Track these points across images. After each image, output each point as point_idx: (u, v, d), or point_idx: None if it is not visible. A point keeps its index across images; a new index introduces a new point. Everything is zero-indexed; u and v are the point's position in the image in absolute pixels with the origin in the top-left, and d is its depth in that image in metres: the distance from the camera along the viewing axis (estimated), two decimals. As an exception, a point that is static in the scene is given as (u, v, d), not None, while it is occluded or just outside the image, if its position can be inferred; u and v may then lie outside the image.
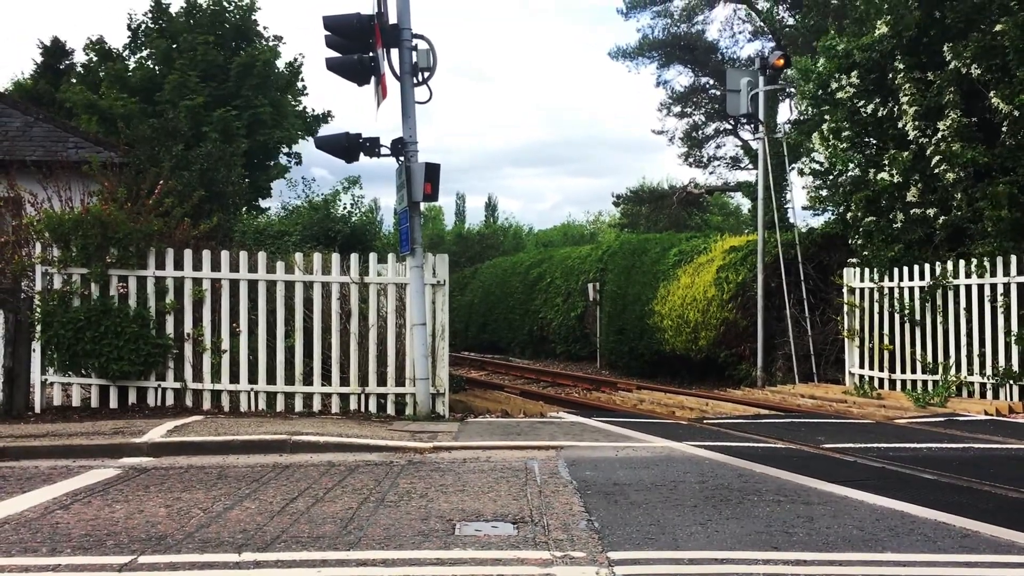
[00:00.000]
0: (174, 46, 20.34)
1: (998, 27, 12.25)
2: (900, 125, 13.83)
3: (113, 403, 10.31)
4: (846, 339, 14.27)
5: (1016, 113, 12.16)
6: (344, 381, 10.46)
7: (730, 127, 36.80)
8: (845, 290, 14.25)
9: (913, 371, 13.09)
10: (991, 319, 12.05)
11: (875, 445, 8.52)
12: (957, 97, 13.13)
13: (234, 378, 10.38)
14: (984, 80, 12.69)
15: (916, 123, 13.51)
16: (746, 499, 6.19)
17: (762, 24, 29.24)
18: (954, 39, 13.15)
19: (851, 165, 14.84)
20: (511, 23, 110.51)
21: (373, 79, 10.33)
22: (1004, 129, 12.68)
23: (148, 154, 12.81)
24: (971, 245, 12.77)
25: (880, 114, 14.17)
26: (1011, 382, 11.76)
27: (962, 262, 12.49)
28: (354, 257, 10.64)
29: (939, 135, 13.07)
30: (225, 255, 10.49)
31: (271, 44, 21.61)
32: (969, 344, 12.32)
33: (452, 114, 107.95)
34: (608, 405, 13.52)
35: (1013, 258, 11.79)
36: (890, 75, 14.01)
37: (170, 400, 10.36)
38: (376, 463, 7.74)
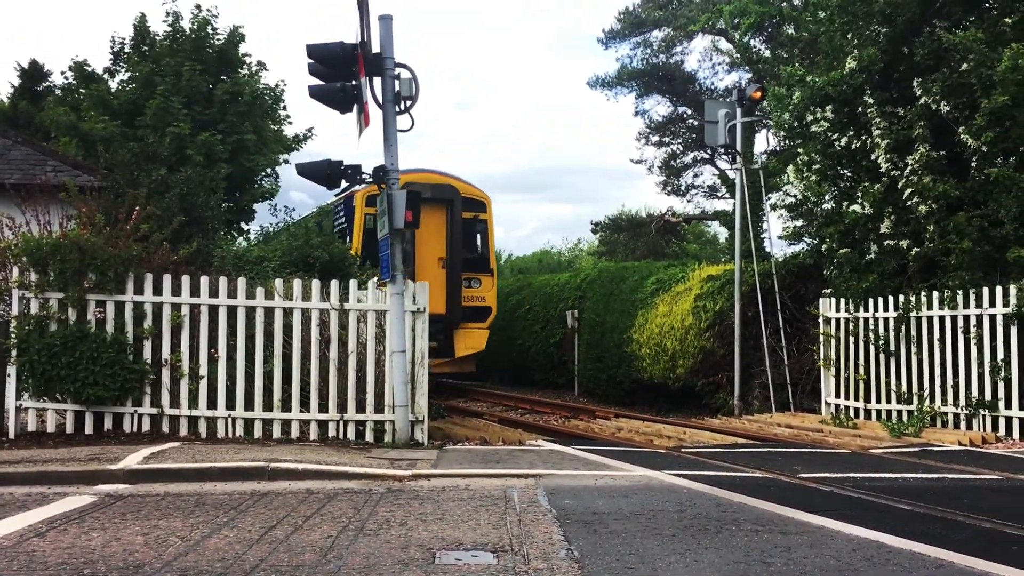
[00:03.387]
0: (157, 70, 20.32)
1: (964, 66, 12.52)
2: (873, 157, 14.07)
3: (88, 429, 10.21)
4: (822, 369, 14.40)
5: (984, 149, 12.40)
6: (323, 408, 10.43)
7: (708, 156, 37.16)
8: (821, 320, 14.40)
9: (888, 401, 13.23)
10: (964, 350, 12.22)
11: (851, 475, 8.60)
12: (927, 132, 13.39)
13: (211, 404, 10.33)
14: (953, 116, 12.95)
15: (888, 156, 13.75)
16: (724, 528, 6.23)
17: (738, 56, 29.67)
18: (923, 74, 13.42)
19: (826, 197, 15.04)
20: (495, 51, 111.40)
21: (356, 107, 10.40)
22: (973, 164, 12.93)
23: (127, 178, 12.75)
24: (943, 277, 12.96)
25: (854, 147, 14.41)
26: (984, 412, 11.91)
27: (935, 293, 12.68)
28: (334, 283, 10.65)
29: (909, 168, 13.31)
30: (204, 280, 10.47)
31: (254, 70, 21.65)
32: (943, 375, 12.48)
33: (434, 140, 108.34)
34: (587, 433, 13.54)
35: (985, 290, 11.98)
36: (860, 109, 14.26)
37: (146, 426, 10.28)
38: (355, 491, 7.71)
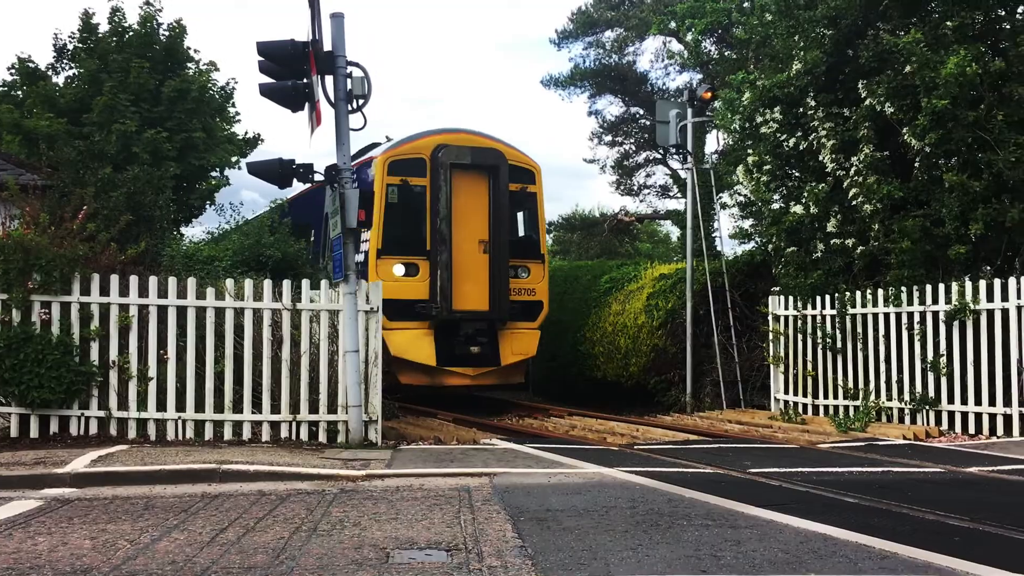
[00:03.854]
0: (104, 67, 19.93)
1: (907, 68, 12.81)
2: (820, 158, 14.32)
3: (34, 432, 10.01)
4: (771, 365, 14.63)
5: (927, 150, 12.70)
6: (275, 409, 10.35)
7: (660, 156, 37.47)
8: (770, 318, 14.63)
9: (835, 397, 13.48)
10: (908, 346, 12.49)
11: (799, 469, 8.76)
12: (871, 132, 13.66)
13: (161, 406, 10.19)
14: (897, 118, 13.24)
15: (834, 156, 14.01)
16: (676, 524, 6.31)
17: (690, 57, 29.98)
18: (867, 76, 13.69)
19: (775, 197, 15.28)
20: (447, 51, 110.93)
21: (307, 105, 10.34)
22: (917, 164, 13.23)
23: (73, 177, 12.52)
24: (887, 274, 13.24)
25: (801, 147, 14.66)
26: (927, 408, 12.20)
27: (880, 291, 12.95)
28: (286, 283, 10.58)
29: (854, 168, 13.58)
30: (153, 281, 10.33)
31: (204, 68, 21.33)
32: (888, 371, 12.75)
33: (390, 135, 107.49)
34: (541, 431, 13.60)
35: (928, 288, 12.26)
36: (804, 110, 14.51)
37: (94, 429, 10.11)
38: (308, 492, 7.67)
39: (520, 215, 17.28)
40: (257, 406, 10.33)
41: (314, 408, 10.41)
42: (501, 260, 16.07)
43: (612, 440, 11.99)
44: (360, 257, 14.62)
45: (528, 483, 8.03)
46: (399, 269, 15.63)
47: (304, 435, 10.35)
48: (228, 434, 10.26)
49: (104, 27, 21.35)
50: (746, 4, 21.12)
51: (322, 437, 10.38)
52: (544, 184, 17.40)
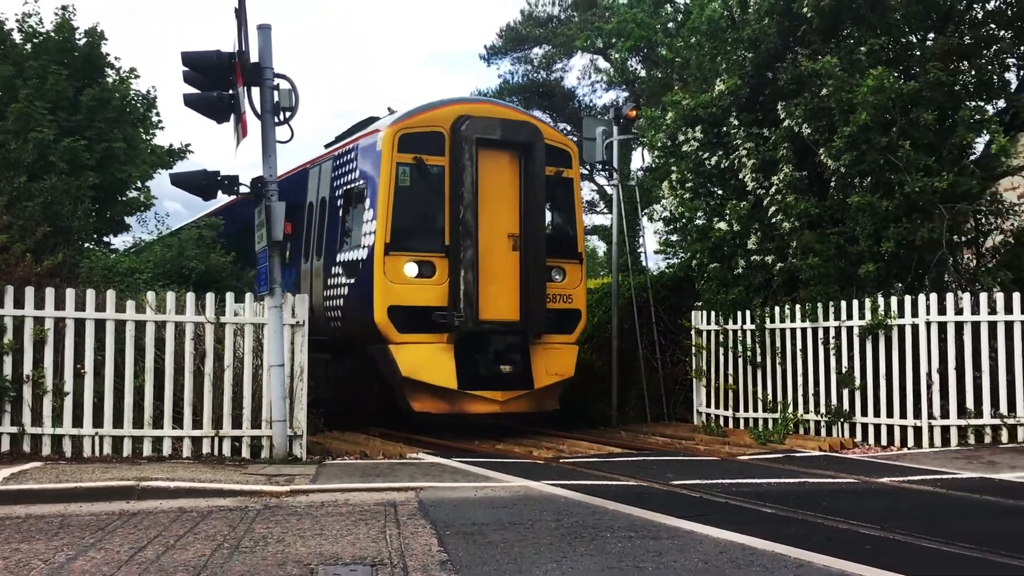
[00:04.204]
0: (19, 74, 19.33)
1: (824, 91, 13.26)
2: (741, 176, 14.70)
3: (-59, 450, 9.66)
4: (694, 379, 14.91)
5: (843, 170, 13.15)
6: (197, 424, 10.17)
7: (587, 172, 37.91)
8: (693, 332, 14.91)
9: (755, 410, 13.80)
10: (824, 361, 12.88)
11: (720, 481, 8.96)
12: (790, 153, 14.09)
13: (77, 422, 9.92)
14: (814, 139, 13.68)
15: (754, 175, 14.40)
16: (599, 536, 6.41)
17: (616, 75, 30.48)
18: (787, 98, 14.14)
19: (699, 213, 15.61)
20: (381, 64, 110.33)
21: (233, 117, 10.24)
22: (833, 184, 13.69)
23: (-15, 186, 12.18)
24: (804, 291, 13.64)
25: (723, 166, 15.03)
26: (842, 420, 12.58)
27: (798, 306, 13.34)
28: (210, 296, 10.43)
29: (774, 187, 13.98)
30: (70, 293, 10.07)
31: (124, 76, 20.83)
32: (805, 384, 13.12)
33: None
34: (468, 445, 13.58)
35: (843, 304, 12.67)
36: (728, 130, 14.91)
37: (6, 446, 9.80)
38: (230, 508, 7.57)
39: (557, 205, 14.60)
40: (178, 421, 10.14)
41: (237, 423, 10.26)
42: (536, 259, 13.47)
43: (539, 454, 12.08)
44: (362, 253, 13.41)
45: (455, 497, 8.06)
46: (411, 268, 13.05)
47: (227, 451, 10.19)
48: (148, 450, 10.04)
49: (19, 33, 20.71)
50: (671, 25, 21.58)
51: (245, 453, 10.24)
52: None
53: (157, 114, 21.73)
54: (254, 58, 10.19)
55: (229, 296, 10.55)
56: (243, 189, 10.49)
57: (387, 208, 12.99)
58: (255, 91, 10.26)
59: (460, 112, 13.45)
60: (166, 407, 10.08)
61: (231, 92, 10.11)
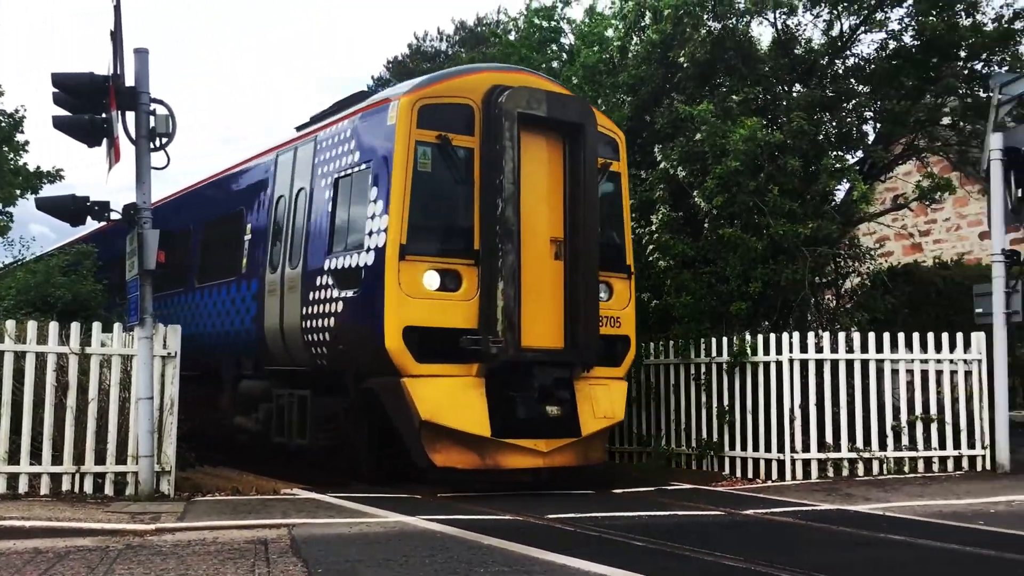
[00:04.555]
0: None
1: (698, 136, 13.85)
2: (621, 216, 15.12)
3: None
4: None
5: (715, 211, 13.72)
6: (57, 460, 9.70)
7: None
8: (572, 367, 15.13)
9: (631, 444, 14.12)
10: (696, 395, 13.31)
11: (595, 514, 9.11)
12: (667, 194, 14.61)
13: (-77, 458, 9.33)
14: (688, 181, 14.24)
15: (633, 215, 14.85)
16: (473, 571, 6.43)
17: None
18: (664, 141, 14.69)
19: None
20: (272, 90, 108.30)
21: (105, 141, 9.93)
22: (706, 225, 14.25)
23: None
24: (676, 327, 14.10)
25: (604, 205, 15.42)
26: (712, 453, 13.00)
27: (671, 343, 13.76)
28: (74, 326, 10.01)
29: (652, 227, 14.45)
30: (-79, 321, 9.51)
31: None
32: (678, 419, 13.51)
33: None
34: (343, 481, 13.39)
35: (714, 340, 13.14)
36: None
37: None
38: (90, 548, 7.25)
39: (604, 205, 11.69)
40: (36, 457, 9.65)
41: (100, 459, 9.84)
42: (586, 271, 10.93)
43: (416, 488, 11.99)
44: (366, 258, 10.49)
45: (328, 534, 7.94)
46: (432, 279, 10.29)
47: (88, 487, 9.75)
48: (2, 487, 9.51)
49: None
50: (555, 64, 22.10)
51: (108, 490, 9.82)
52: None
53: (23, 132, 20.86)
54: (130, 82, 9.92)
55: (96, 326, 10.16)
56: (114, 216, 10.15)
57: (403, 199, 10.20)
58: (130, 116, 9.99)
59: (494, 81, 10.80)
60: (23, 441, 9.58)
61: (104, 116, 9.81)
